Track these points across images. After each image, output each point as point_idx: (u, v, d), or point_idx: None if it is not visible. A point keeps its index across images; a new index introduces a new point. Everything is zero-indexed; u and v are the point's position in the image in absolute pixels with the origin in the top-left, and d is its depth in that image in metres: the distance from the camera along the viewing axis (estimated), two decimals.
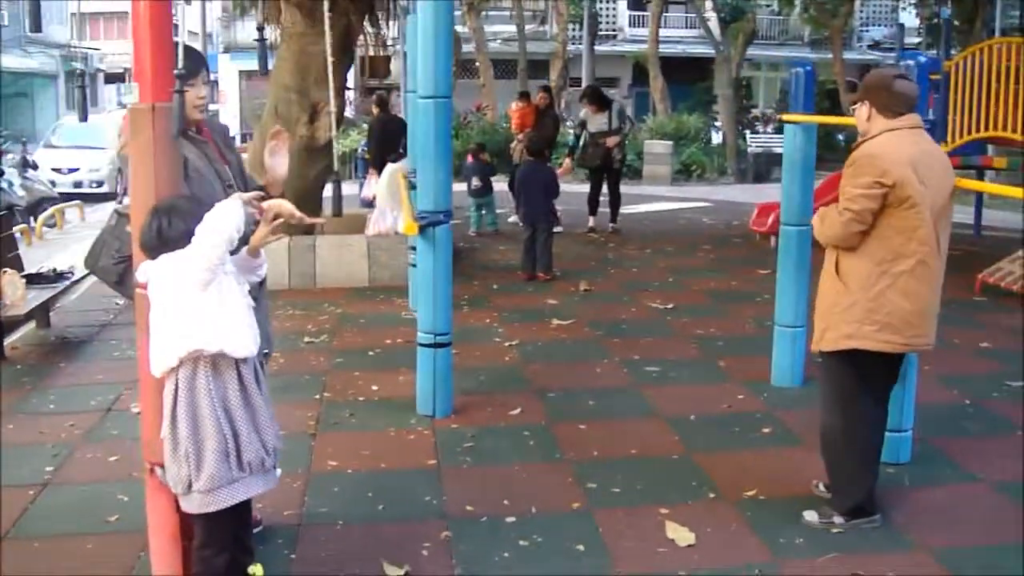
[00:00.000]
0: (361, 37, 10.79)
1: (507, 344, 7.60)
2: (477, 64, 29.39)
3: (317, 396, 6.39)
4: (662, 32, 32.74)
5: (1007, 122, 10.46)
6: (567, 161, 13.82)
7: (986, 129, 10.77)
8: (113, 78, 46.37)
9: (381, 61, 31.04)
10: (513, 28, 30.89)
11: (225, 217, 3.32)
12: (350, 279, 9.63)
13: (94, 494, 4.89)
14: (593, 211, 13.68)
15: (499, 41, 33.71)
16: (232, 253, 3.37)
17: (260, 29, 4.53)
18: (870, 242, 4.29)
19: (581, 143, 13.45)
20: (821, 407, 4.63)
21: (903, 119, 4.30)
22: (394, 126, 13.08)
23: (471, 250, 12.10)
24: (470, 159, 13.99)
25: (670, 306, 8.95)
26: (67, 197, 18.76)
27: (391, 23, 11.83)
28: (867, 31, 39.55)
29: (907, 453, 5.25)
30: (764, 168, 24.61)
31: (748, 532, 4.45)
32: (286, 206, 3.62)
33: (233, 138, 4.22)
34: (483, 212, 13.65)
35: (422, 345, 5.95)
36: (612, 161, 13.22)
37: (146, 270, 3.35)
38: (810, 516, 4.53)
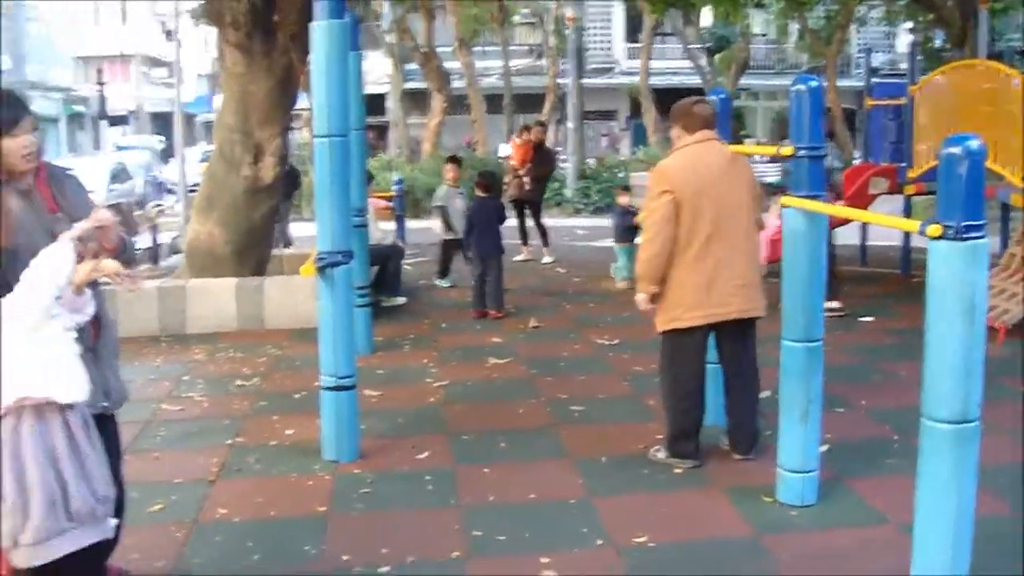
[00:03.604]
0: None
1: (436, 385, 7.46)
2: (468, 100, 29.35)
3: (229, 441, 6.25)
4: (658, 64, 32.81)
5: None
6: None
7: None
8: (117, 120, 46.45)
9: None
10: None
11: (53, 260, 3.23)
12: (297, 320, 9.49)
13: None
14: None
15: (496, 76, 33.76)
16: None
17: (100, 71, 4.41)
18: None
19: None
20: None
21: (697, 135, 5.47)
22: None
23: (429, 288, 11.99)
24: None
25: (615, 342, 8.80)
26: None
27: None
28: (863, 58, 39.27)
29: (813, 494, 5.07)
30: None
31: None
32: (110, 265, 3.51)
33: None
34: None
35: (325, 388, 5.83)
36: None
37: None
38: (652, 453, 5.79)
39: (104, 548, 3.64)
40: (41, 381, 3.21)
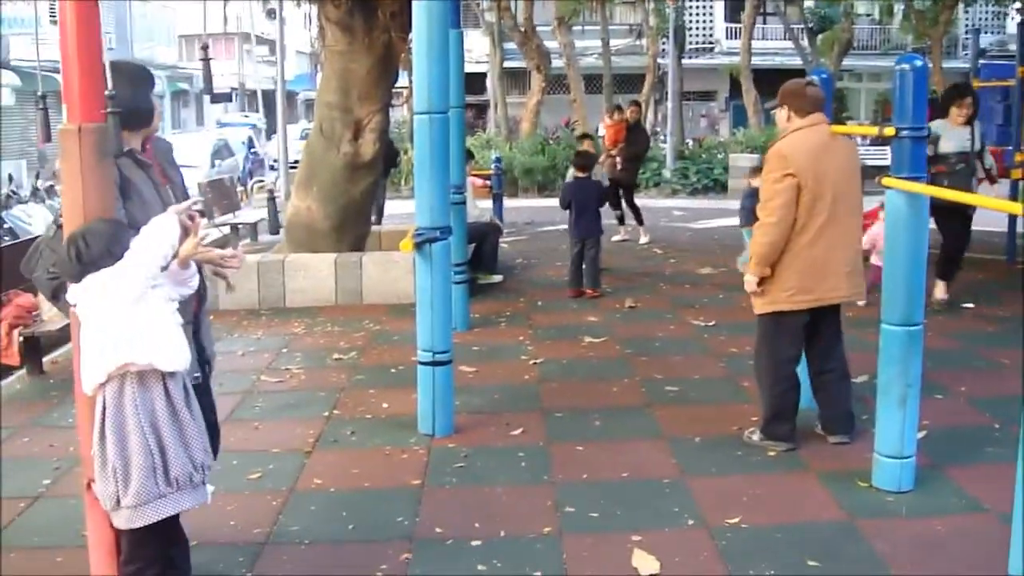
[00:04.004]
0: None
1: (531, 362, 7.50)
2: (568, 80, 29.24)
3: (326, 413, 6.37)
4: (760, 44, 32.34)
5: None
6: None
7: None
8: (220, 97, 47.14)
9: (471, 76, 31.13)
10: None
11: (159, 232, 3.33)
12: (395, 295, 9.60)
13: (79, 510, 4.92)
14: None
15: (595, 56, 33.59)
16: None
17: (204, 48, 4.49)
18: None
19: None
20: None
21: (809, 118, 5.40)
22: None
23: (526, 266, 12.03)
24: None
25: (711, 323, 8.75)
26: None
27: None
28: (970, 39, 38.38)
29: (910, 480, 5.00)
30: None
31: (717, 561, 4.28)
32: (214, 252, 3.65)
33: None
34: None
35: (421, 363, 5.90)
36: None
37: (75, 292, 3.35)
38: (747, 436, 5.77)
39: None
40: (144, 348, 3.29)
